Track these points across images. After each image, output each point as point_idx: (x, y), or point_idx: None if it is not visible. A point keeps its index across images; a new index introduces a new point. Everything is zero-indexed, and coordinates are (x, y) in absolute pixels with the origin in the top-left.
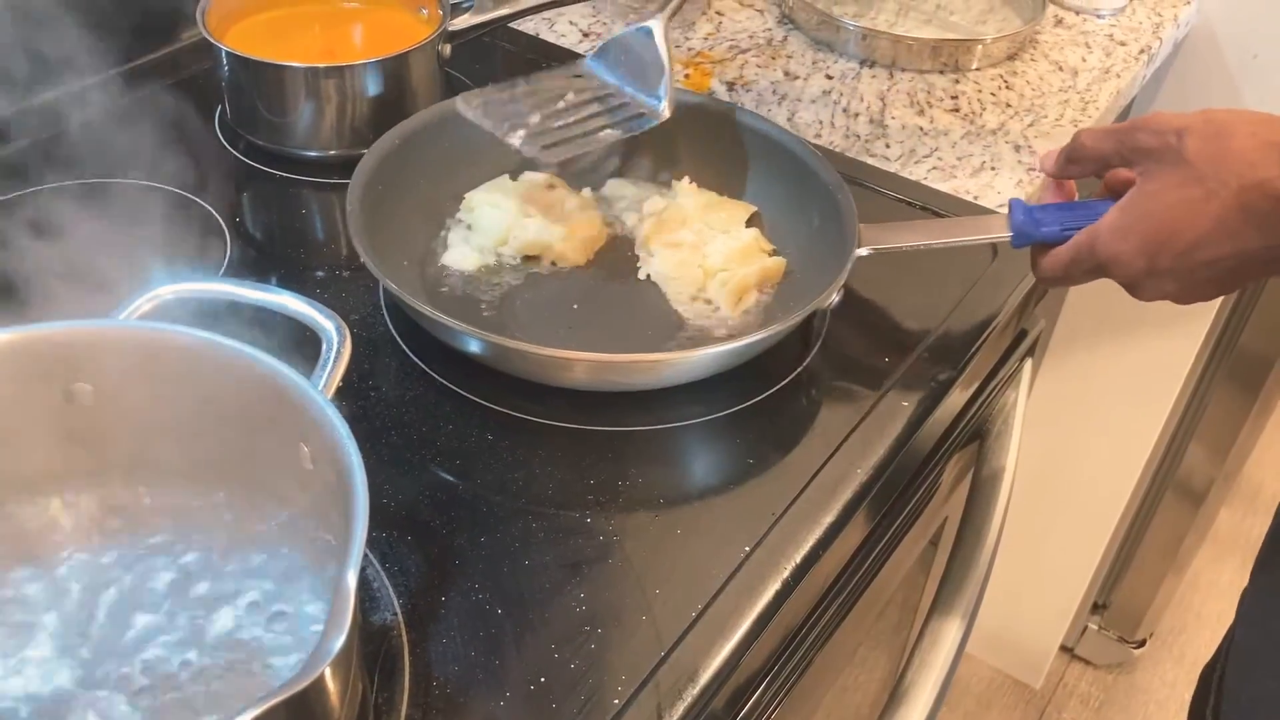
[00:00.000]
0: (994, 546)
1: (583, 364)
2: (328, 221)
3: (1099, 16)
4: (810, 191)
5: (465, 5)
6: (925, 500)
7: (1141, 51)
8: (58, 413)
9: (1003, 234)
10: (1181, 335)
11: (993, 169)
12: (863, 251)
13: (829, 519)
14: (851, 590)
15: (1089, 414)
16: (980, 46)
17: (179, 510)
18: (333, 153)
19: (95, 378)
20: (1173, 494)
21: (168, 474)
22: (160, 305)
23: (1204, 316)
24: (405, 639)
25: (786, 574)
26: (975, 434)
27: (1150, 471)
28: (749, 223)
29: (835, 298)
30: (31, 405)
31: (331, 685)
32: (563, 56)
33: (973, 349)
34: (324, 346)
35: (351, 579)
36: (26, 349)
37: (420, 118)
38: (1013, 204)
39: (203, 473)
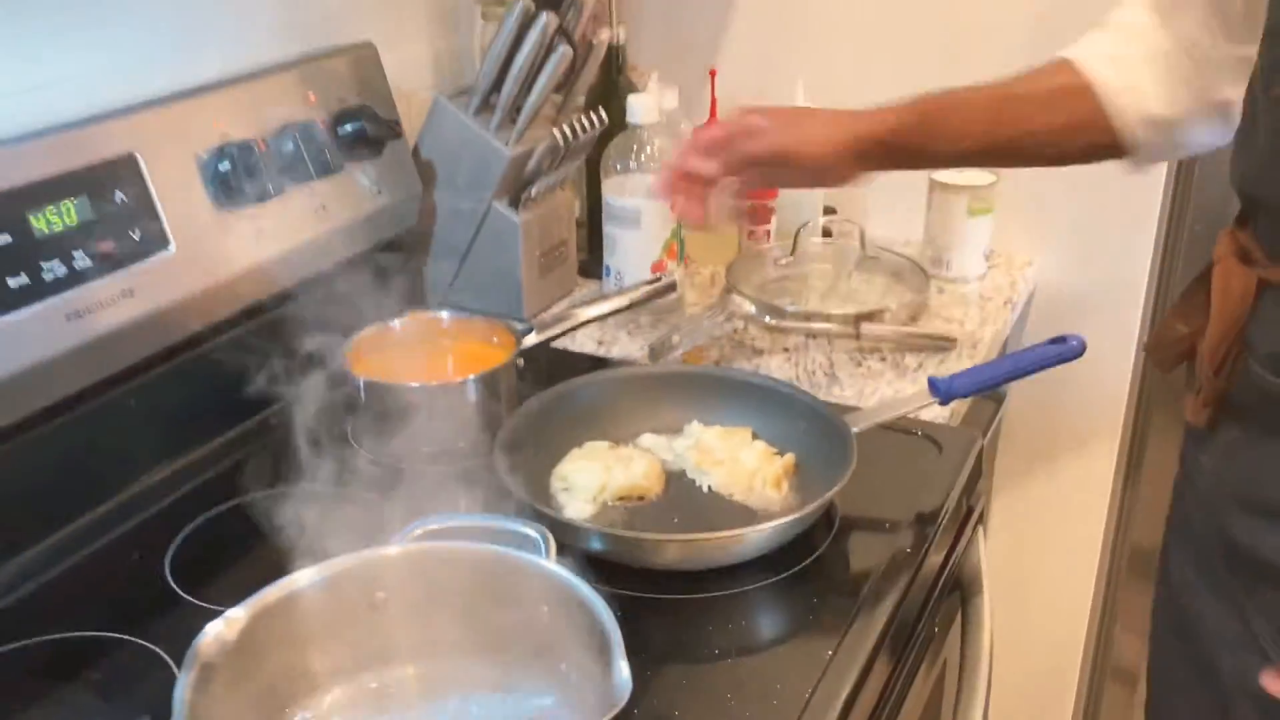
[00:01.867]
0: (985, 690)
1: (706, 543)
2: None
3: (968, 282)
4: (787, 409)
5: (523, 330)
6: (927, 643)
7: (1005, 302)
8: (365, 617)
9: (933, 399)
10: (1083, 536)
11: None
12: (855, 429)
13: (864, 655)
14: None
15: (1023, 615)
16: (889, 313)
17: (457, 677)
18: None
19: (390, 588)
20: (1112, 680)
21: (444, 650)
22: (425, 532)
23: (1096, 521)
24: None
25: (845, 693)
26: (955, 585)
27: (1089, 660)
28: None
29: (852, 466)
30: (344, 614)
31: None
32: (585, 360)
33: (939, 519)
34: (539, 546)
35: (624, 667)
36: (341, 574)
37: (530, 404)
38: (930, 380)
39: (472, 645)
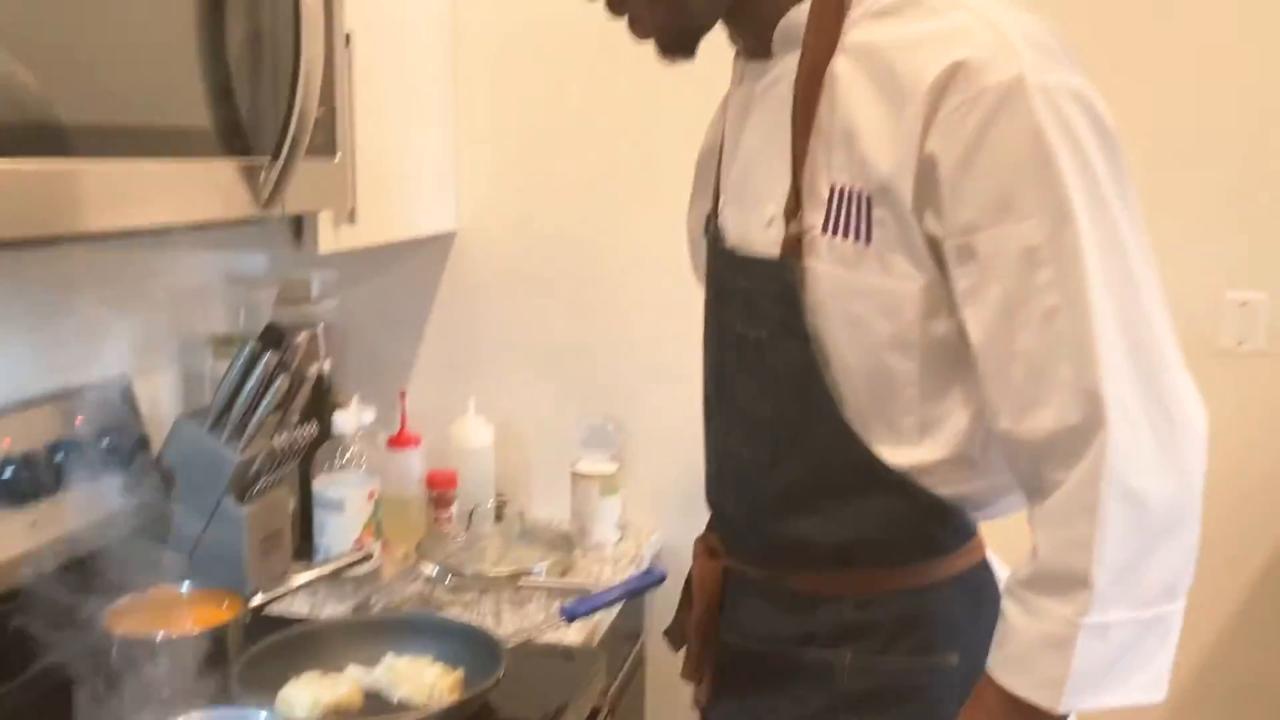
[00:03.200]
0: None
1: None
2: None
3: (604, 548)
4: (458, 637)
5: (250, 594)
6: None
7: (631, 560)
8: None
9: (561, 619)
10: None
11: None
12: (507, 645)
13: None
14: None
15: None
16: (534, 571)
17: None
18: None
19: None
20: None
21: None
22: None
23: None
24: None
25: None
26: None
27: None
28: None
29: (501, 671)
30: None
31: None
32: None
33: (565, 713)
34: None
35: None
36: None
37: (257, 646)
38: (560, 607)
39: None
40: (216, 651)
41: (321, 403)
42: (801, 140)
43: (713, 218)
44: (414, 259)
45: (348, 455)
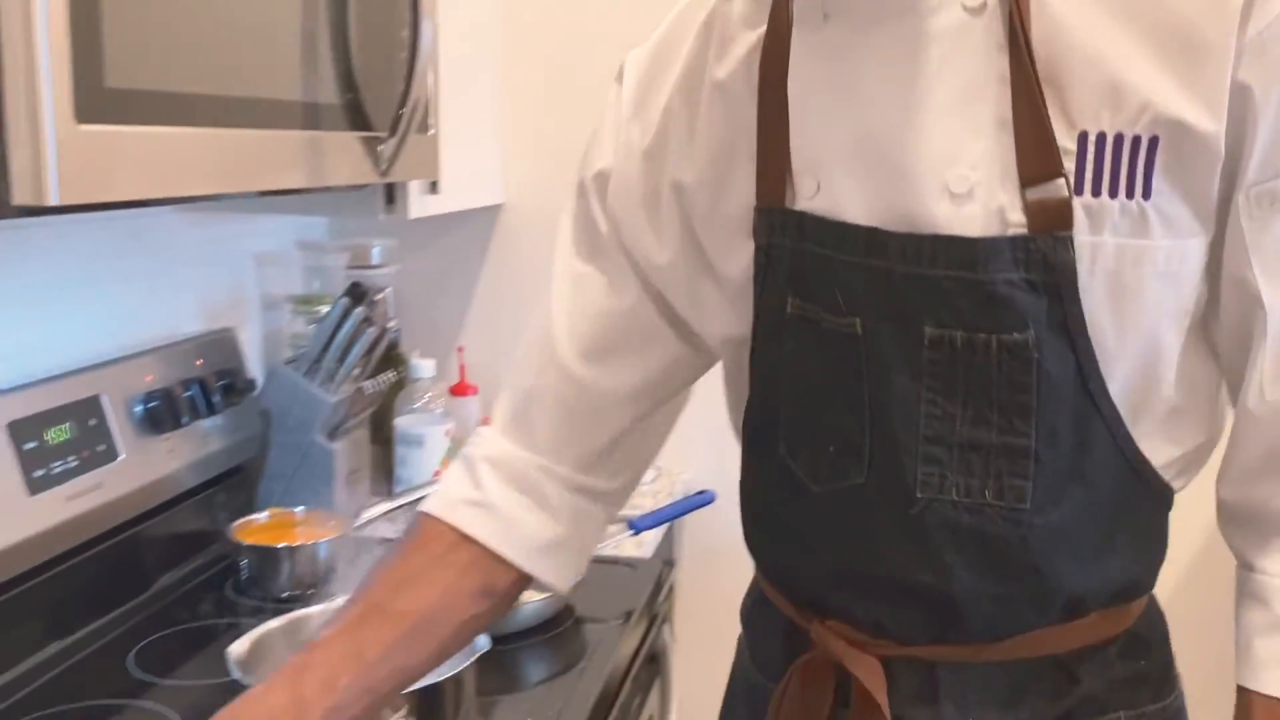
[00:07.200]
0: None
1: None
2: None
3: (642, 483)
4: None
5: (353, 515)
6: (636, 690)
7: (669, 494)
8: None
9: (629, 531)
10: None
11: None
12: None
13: (598, 689)
14: None
15: None
16: None
17: None
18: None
19: None
20: None
21: None
22: None
23: None
24: None
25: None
26: (653, 657)
27: None
28: None
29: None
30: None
31: None
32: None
33: (634, 614)
34: None
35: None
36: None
37: None
38: (628, 521)
39: None
40: (329, 560)
41: (390, 357)
42: (1034, 82)
43: (775, 201)
44: (463, 230)
45: (426, 397)
